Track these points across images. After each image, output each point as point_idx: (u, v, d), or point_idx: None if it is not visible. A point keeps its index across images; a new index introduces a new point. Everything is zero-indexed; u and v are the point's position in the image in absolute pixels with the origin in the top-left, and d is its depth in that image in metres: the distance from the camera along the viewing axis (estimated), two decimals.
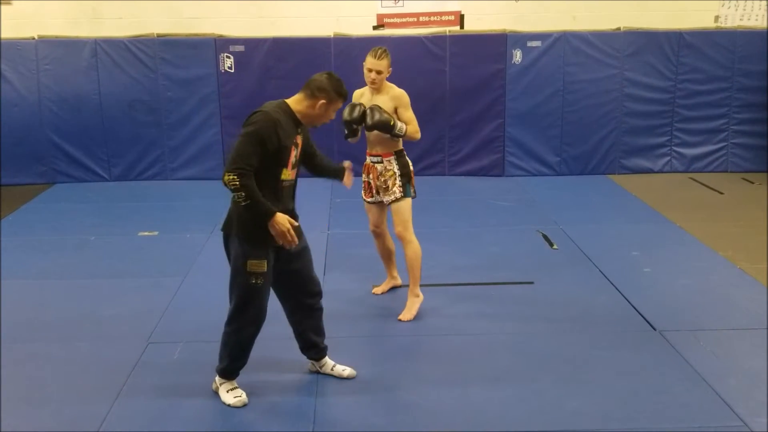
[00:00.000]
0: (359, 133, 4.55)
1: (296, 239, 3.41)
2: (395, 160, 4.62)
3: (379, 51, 4.45)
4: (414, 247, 4.61)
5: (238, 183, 3.25)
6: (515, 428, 3.43)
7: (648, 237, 6.28)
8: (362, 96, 4.66)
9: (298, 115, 3.47)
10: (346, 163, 3.94)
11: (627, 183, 8.19)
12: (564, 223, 6.61)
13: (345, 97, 3.50)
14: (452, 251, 5.94)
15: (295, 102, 3.48)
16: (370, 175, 4.72)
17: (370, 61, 4.44)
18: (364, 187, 4.80)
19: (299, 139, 3.53)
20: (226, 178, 3.27)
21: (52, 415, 3.55)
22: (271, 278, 3.52)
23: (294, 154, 3.48)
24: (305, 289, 3.70)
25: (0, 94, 8.00)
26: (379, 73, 4.45)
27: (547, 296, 5.01)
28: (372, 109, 4.41)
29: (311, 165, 3.79)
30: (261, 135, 3.29)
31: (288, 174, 3.49)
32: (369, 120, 4.40)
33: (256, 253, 3.40)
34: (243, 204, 3.30)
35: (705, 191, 7.94)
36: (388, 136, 4.49)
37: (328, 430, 3.43)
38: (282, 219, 3.34)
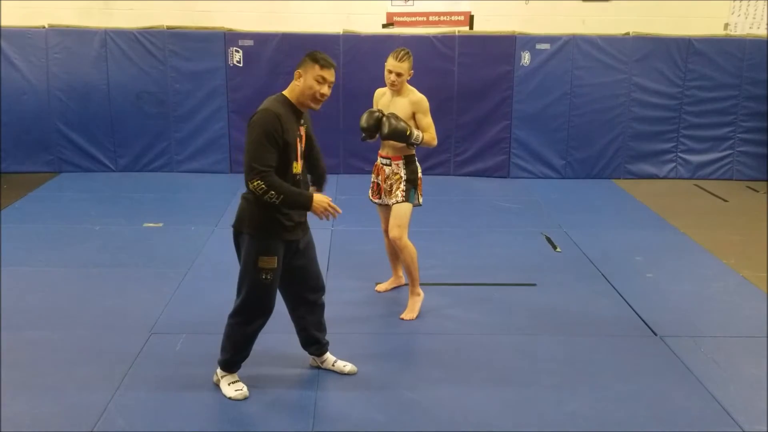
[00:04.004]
0: (376, 135, 4.54)
1: (338, 210, 3.45)
2: (404, 164, 4.59)
3: (401, 53, 4.41)
4: (409, 251, 4.60)
5: (264, 186, 3.27)
6: (514, 429, 3.44)
7: (651, 242, 6.29)
8: (383, 96, 4.64)
9: (295, 104, 3.44)
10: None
11: (632, 188, 8.20)
12: (568, 227, 6.62)
13: (320, 60, 3.39)
14: (456, 251, 5.95)
15: (289, 91, 3.46)
16: (379, 176, 4.72)
17: (390, 63, 4.40)
18: (372, 187, 4.79)
19: (303, 131, 3.52)
20: (251, 186, 3.28)
21: (54, 402, 3.57)
22: (280, 274, 3.53)
23: (300, 146, 3.49)
24: (309, 285, 3.72)
25: None
26: (399, 75, 4.41)
27: (549, 299, 5.01)
28: (389, 117, 4.39)
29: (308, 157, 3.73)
30: (268, 132, 3.28)
31: (298, 167, 3.49)
32: (385, 129, 4.38)
33: (267, 249, 3.43)
34: (278, 202, 3.31)
35: (709, 198, 7.94)
36: (404, 144, 4.50)
37: (327, 424, 3.44)
38: (319, 200, 3.39)
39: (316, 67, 3.39)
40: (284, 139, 3.34)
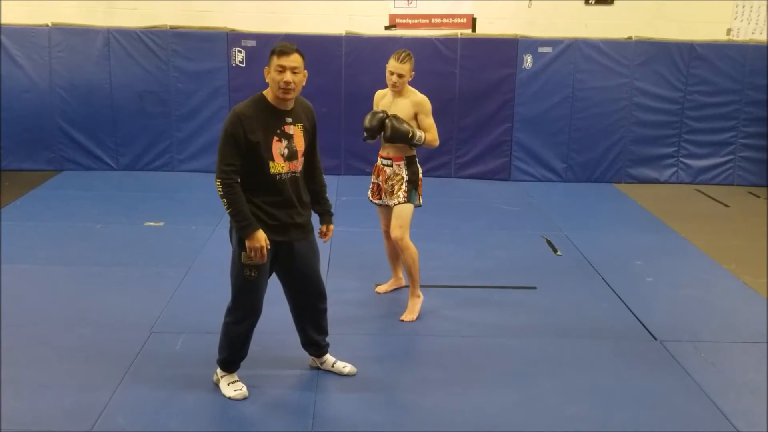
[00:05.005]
0: (378, 135, 4.54)
1: (263, 260, 3.39)
2: (405, 165, 4.60)
3: (403, 54, 4.43)
4: (410, 252, 4.61)
5: (221, 190, 3.32)
6: (513, 431, 3.44)
7: (652, 247, 6.29)
8: (384, 97, 4.65)
9: (273, 102, 3.40)
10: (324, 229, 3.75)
11: (633, 192, 8.20)
12: (568, 230, 6.63)
13: (275, 51, 3.31)
14: (456, 253, 5.95)
15: (267, 90, 3.44)
16: (380, 177, 4.72)
17: (392, 64, 4.42)
18: (372, 188, 4.79)
19: (292, 129, 3.43)
20: (216, 184, 3.35)
21: (53, 400, 3.57)
22: (268, 273, 3.52)
23: (283, 145, 3.40)
24: (309, 290, 3.70)
25: (0, 79, 8.10)
26: (400, 76, 4.42)
27: (549, 302, 5.02)
28: (392, 119, 4.40)
29: (306, 173, 3.62)
30: (229, 133, 3.31)
31: (281, 166, 3.41)
32: (388, 131, 4.39)
33: None
34: (227, 212, 3.36)
35: (710, 203, 7.95)
36: (406, 145, 4.50)
37: (327, 425, 3.45)
38: (257, 238, 3.34)
39: (274, 58, 3.33)
40: (248, 138, 3.31)
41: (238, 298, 3.53)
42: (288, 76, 3.30)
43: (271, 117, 3.40)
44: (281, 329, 4.00)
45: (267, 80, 3.39)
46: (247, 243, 3.35)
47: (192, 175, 8.33)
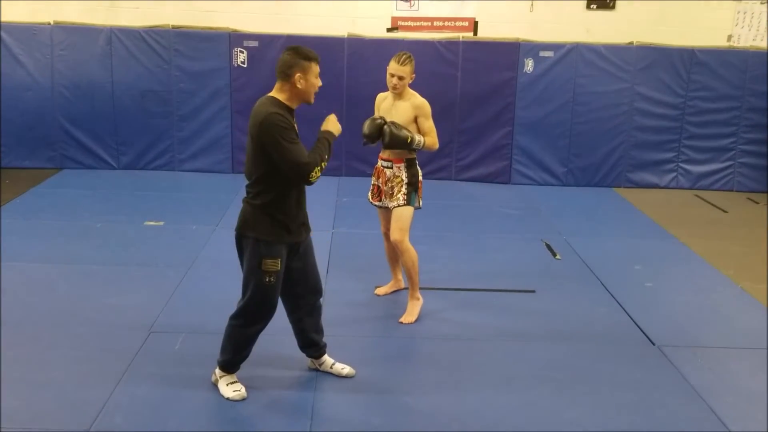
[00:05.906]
0: (377, 140, 4.55)
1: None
2: (405, 168, 4.61)
3: (403, 57, 4.45)
4: (410, 254, 4.62)
5: (318, 170, 3.38)
6: None
7: (651, 252, 6.30)
8: (384, 100, 4.67)
9: (287, 104, 3.46)
10: None
11: (632, 197, 8.21)
12: (568, 234, 6.63)
13: (314, 58, 3.43)
14: (455, 256, 5.96)
15: (277, 92, 3.47)
16: (380, 179, 4.73)
17: (393, 66, 4.44)
18: (373, 190, 4.80)
19: (296, 128, 3.54)
20: (313, 179, 3.37)
21: (53, 398, 3.58)
22: (282, 275, 3.54)
23: None
24: (308, 287, 3.72)
25: (1, 77, 8.08)
26: (401, 78, 4.44)
27: (547, 306, 5.03)
28: (390, 126, 4.40)
29: None
30: (288, 129, 3.34)
31: None
32: (386, 138, 4.39)
33: (271, 252, 3.44)
34: (326, 160, 3.46)
35: (709, 209, 7.96)
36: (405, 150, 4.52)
37: (325, 426, 3.46)
38: (333, 125, 3.58)
39: (313, 65, 3.43)
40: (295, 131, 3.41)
41: (255, 304, 3.53)
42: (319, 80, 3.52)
43: (292, 117, 3.48)
44: (280, 330, 4.00)
45: (298, 86, 3.42)
46: (338, 131, 3.57)
47: (193, 175, 8.33)
